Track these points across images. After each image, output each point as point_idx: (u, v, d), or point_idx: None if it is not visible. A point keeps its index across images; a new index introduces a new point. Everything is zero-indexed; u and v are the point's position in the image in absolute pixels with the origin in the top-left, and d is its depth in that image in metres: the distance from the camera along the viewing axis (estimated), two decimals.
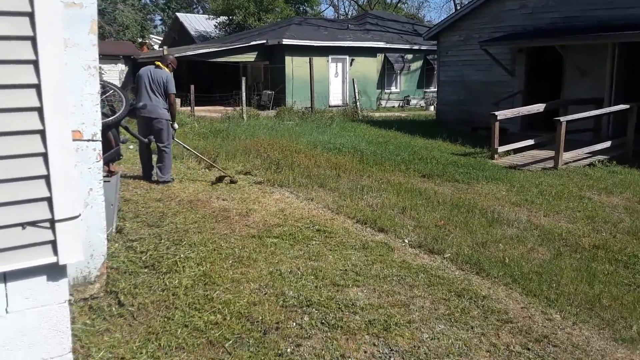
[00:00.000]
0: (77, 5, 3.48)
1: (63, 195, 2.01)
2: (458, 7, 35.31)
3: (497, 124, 10.29)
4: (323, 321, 3.40)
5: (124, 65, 24.08)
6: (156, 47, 36.39)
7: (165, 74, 7.09)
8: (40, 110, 1.95)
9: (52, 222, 2.01)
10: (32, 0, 1.87)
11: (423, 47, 24.25)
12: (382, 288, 3.97)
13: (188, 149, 8.13)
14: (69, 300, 3.59)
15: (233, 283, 3.91)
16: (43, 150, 1.97)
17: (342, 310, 3.56)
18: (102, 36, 31.03)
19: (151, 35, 40.55)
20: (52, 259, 2.03)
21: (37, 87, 1.93)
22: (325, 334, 3.26)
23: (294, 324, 3.36)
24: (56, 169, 1.98)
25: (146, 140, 6.77)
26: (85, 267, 3.72)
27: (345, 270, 4.28)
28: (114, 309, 3.51)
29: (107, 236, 4.69)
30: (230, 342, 3.13)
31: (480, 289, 4.07)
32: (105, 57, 23.17)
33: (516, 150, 10.65)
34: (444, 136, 12.57)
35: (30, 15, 1.89)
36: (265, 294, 3.76)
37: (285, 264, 4.33)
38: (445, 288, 4.03)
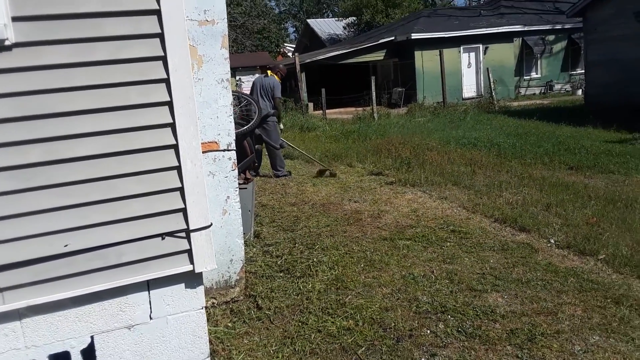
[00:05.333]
0: (209, 22, 3.65)
1: (196, 206, 2.10)
2: None
3: None
4: (459, 329, 3.21)
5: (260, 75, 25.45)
6: (290, 54, 37.95)
7: (273, 81, 8.00)
8: (173, 126, 2.05)
9: (188, 232, 2.11)
10: (161, 22, 1.97)
11: (567, 26, 22.20)
12: (525, 294, 3.65)
13: (291, 146, 8.87)
14: (213, 303, 3.84)
15: (365, 287, 3.86)
16: (177, 164, 2.07)
17: (480, 318, 3.33)
18: (243, 49, 33.17)
19: (285, 44, 42.41)
20: (188, 267, 2.13)
21: (170, 104, 2.04)
22: (462, 344, 3.06)
23: (428, 331, 3.21)
24: (189, 181, 2.08)
25: (278, 145, 7.07)
26: (226, 272, 3.92)
27: (483, 273, 4.02)
28: (252, 312, 3.65)
29: (246, 241, 4.93)
30: (363, 349, 3.07)
31: None
32: (244, 68, 24.72)
33: None
34: (594, 122, 11.38)
35: (161, 36, 2.00)
36: (397, 299, 3.66)
37: (418, 267, 4.19)
38: (599, 294, 3.60)
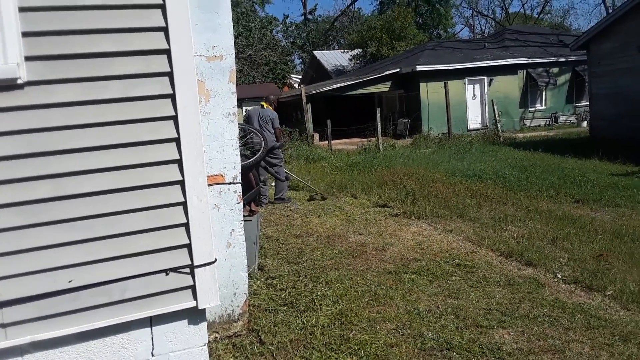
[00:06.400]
0: (217, 57, 3.71)
1: (201, 242, 2.11)
2: (610, 11, 31.92)
3: None
4: None
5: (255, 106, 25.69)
6: (296, 85, 38.43)
7: (271, 112, 8.26)
8: (179, 162, 2.08)
9: (192, 268, 2.11)
10: (171, 62, 2.02)
11: (571, 59, 22.45)
12: (531, 330, 3.60)
13: (288, 173, 8.94)
14: (216, 338, 3.80)
15: (369, 322, 3.81)
16: (183, 200, 2.09)
17: (486, 355, 3.28)
18: (250, 81, 33.61)
19: (291, 75, 42.99)
20: (192, 304, 2.13)
21: (177, 141, 2.07)
22: None
23: None
24: (194, 216, 2.10)
25: (283, 178, 7.10)
26: (229, 305, 3.89)
27: (489, 309, 3.97)
28: (255, 347, 3.60)
29: (250, 273, 4.90)
30: None
31: None
32: (251, 99, 24.99)
33: None
34: (600, 155, 11.39)
35: (170, 75, 2.04)
36: (402, 334, 3.61)
37: (424, 302, 4.14)
38: (607, 331, 3.54)
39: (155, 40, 1.98)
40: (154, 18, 1.94)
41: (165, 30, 1.97)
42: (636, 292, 4.13)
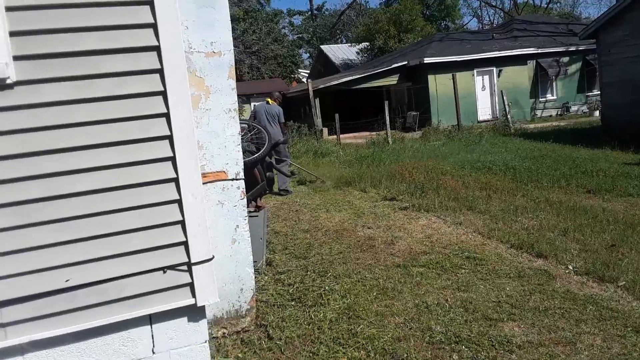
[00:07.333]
0: (216, 54, 3.67)
1: (197, 239, 2.09)
2: None
3: None
4: None
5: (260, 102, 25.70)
6: (304, 80, 38.37)
7: (278, 108, 8.84)
8: (173, 160, 2.05)
9: (189, 265, 2.10)
10: (161, 58, 1.99)
11: (581, 48, 22.13)
12: (542, 323, 3.54)
13: (295, 166, 9.50)
14: (224, 333, 3.79)
15: (377, 316, 3.78)
16: (177, 197, 2.07)
17: (495, 348, 3.23)
18: (259, 76, 33.65)
19: (299, 70, 42.92)
20: (190, 301, 2.11)
21: (170, 138, 2.05)
22: None
23: None
24: (190, 214, 2.07)
25: (289, 174, 7.11)
26: (236, 301, 3.87)
27: (499, 302, 3.91)
28: (263, 342, 3.58)
29: (258, 269, 4.89)
30: None
31: None
32: (259, 95, 24.98)
33: None
34: (612, 144, 11.23)
35: (160, 72, 2.01)
36: (410, 328, 3.57)
37: (432, 296, 4.10)
38: (620, 322, 3.47)
39: (144, 37, 1.96)
40: (142, 14, 1.92)
41: (154, 26, 1.95)
42: None
